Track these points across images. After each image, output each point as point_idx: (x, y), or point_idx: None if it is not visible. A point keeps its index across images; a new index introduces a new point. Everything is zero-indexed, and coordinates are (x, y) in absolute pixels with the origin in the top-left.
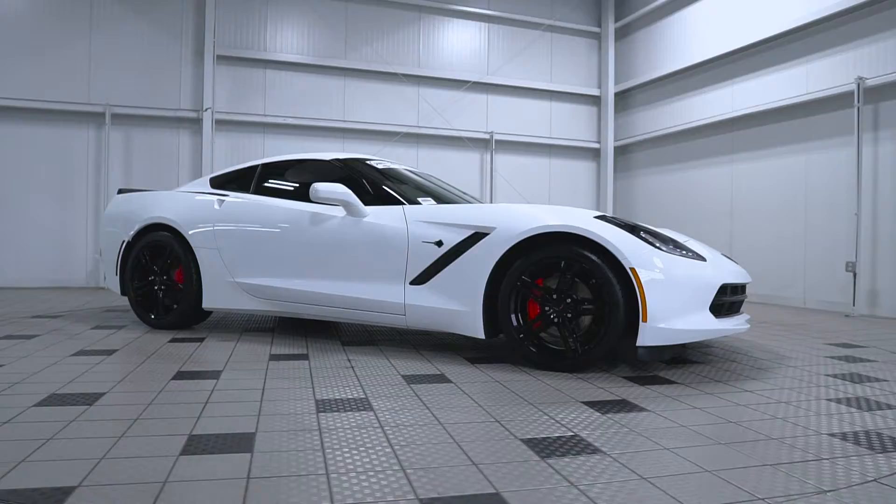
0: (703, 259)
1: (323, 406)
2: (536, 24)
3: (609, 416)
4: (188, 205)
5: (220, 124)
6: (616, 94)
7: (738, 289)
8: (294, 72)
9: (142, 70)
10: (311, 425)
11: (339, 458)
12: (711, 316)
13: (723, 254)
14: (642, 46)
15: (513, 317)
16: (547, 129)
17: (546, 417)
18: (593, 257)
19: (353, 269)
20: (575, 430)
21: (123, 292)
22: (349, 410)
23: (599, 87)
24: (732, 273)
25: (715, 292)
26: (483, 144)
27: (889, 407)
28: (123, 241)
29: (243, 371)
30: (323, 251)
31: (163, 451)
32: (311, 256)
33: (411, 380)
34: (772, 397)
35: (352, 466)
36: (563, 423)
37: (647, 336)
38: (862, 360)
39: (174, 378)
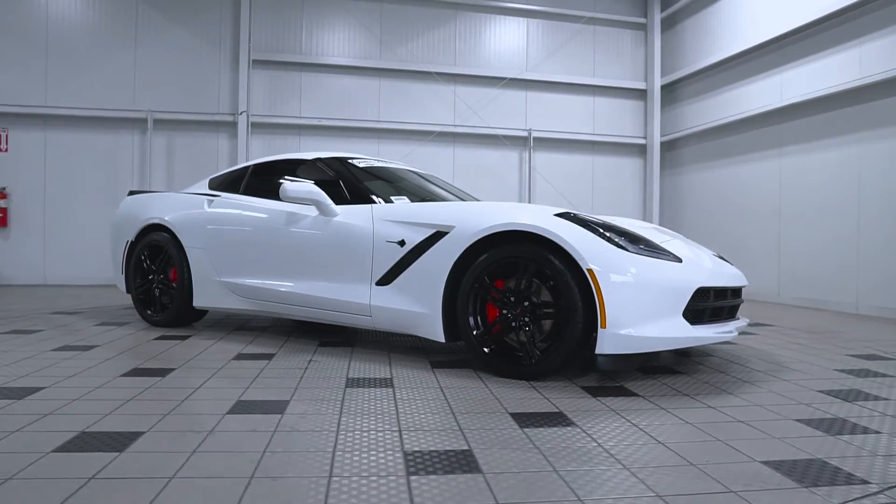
0: (679, 260)
1: (238, 408)
2: (578, 17)
3: (527, 430)
4: (182, 206)
5: (257, 127)
6: (662, 87)
7: (727, 293)
8: (329, 74)
9: (183, 76)
10: (215, 426)
11: (209, 459)
12: (685, 322)
13: (717, 255)
14: (690, 36)
15: (471, 320)
16: (590, 126)
17: (452, 430)
18: (551, 257)
19: (324, 268)
20: (471, 445)
21: (128, 290)
22: (259, 413)
23: (645, 80)
24: (715, 276)
25: (689, 296)
26: (521, 143)
27: (867, 431)
28: (127, 241)
29: (196, 370)
30: (297, 251)
31: (39, 448)
32: (286, 256)
33: (354, 383)
34: (734, 415)
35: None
36: (466, 435)
37: (607, 343)
38: (874, 375)
39: (124, 375)
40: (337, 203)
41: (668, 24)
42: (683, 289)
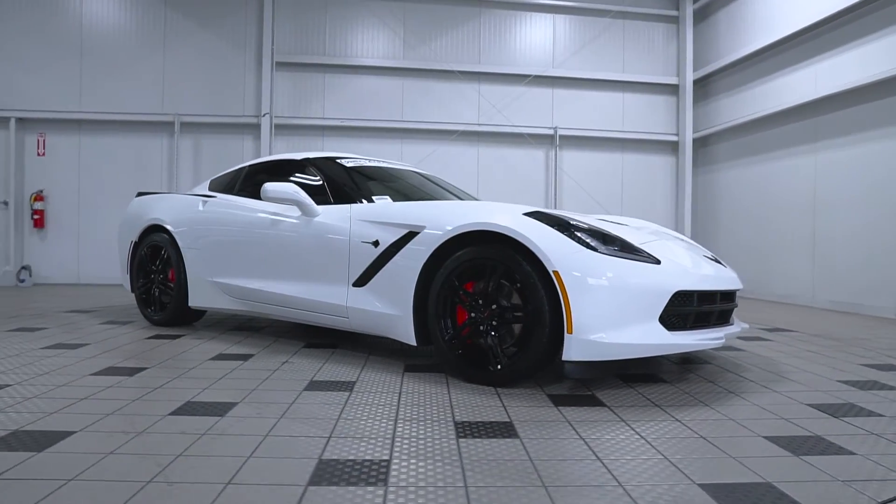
0: (657, 262)
1: (183, 409)
2: (607, 11)
3: (463, 440)
4: (179, 207)
5: (281, 128)
6: (695, 82)
7: (715, 297)
8: (352, 74)
9: (209, 80)
10: (147, 427)
11: (119, 462)
12: (662, 328)
13: (708, 256)
14: (723, 28)
15: (441, 323)
16: (619, 123)
17: (383, 438)
18: (519, 259)
19: (304, 269)
20: (393, 456)
21: (132, 290)
22: (200, 414)
23: (677, 74)
24: (699, 279)
25: (666, 300)
26: (548, 141)
27: (841, 452)
28: (132, 242)
29: (168, 369)
30: (280, 251)
31: None
32: (271, 257)
33: (315, 386)
34: (698, 430)
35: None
36: (395, 445)
37: (574, 350)
38: (879, 388)
39: (94, 374)
40: (325, 203)
41: (701, 16)
42: (660, 292)
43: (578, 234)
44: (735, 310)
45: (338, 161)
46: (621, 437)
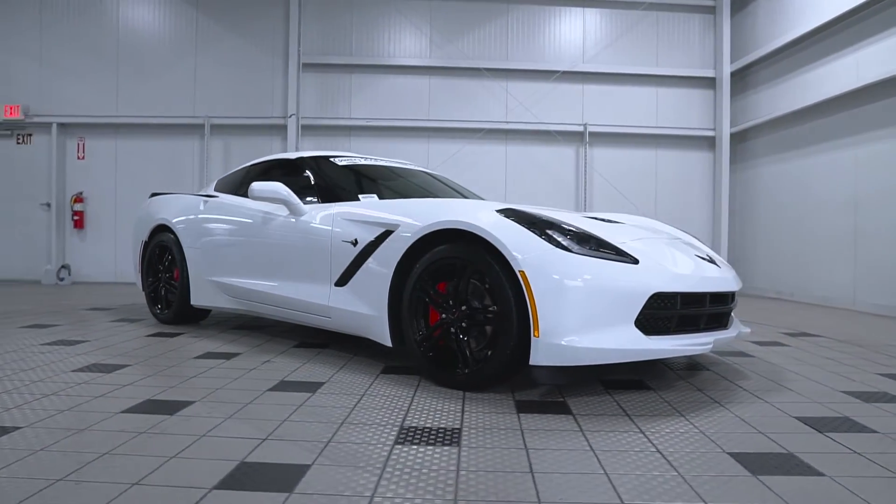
0: (635, 262)
1: (138, 407)
2: (639, 3)
3: (399, 446)
4: (183, 208)
5: (308, 129)
6: (732, 74)
7: (704, 299)
8: (379, 74)
9: (238, 82)
10: (91, 425)
11: (37, 459)
12: (638, 332)
13: (703, 255)
14: (762, 16)
15: (413, 323)
16: (653, 118)
17: (317, 443)
18: (488, 258)
19: (290, 268)
20: (317, 461)
21: (143, 289)
22: (151, 413)
23: (714, 67)
24: (683, 280)
25: (643, 303)
26: (578, 138)
27: (809, 472)
28: (142, 241)
29: (147, 367)
30: (269, 250)
31: None
32: (261, 255)
33: (281, 386)
34: (658, 444)
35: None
36: (326, 450)
37: (541, 354)
38: (887, 400)
39: (75, 370)
40: (315, 202)
41: (739, 4)
42: (635, 293)
43: (550, 233)
44: (733, 312)
45: (330, 160)
46: (570, 448)
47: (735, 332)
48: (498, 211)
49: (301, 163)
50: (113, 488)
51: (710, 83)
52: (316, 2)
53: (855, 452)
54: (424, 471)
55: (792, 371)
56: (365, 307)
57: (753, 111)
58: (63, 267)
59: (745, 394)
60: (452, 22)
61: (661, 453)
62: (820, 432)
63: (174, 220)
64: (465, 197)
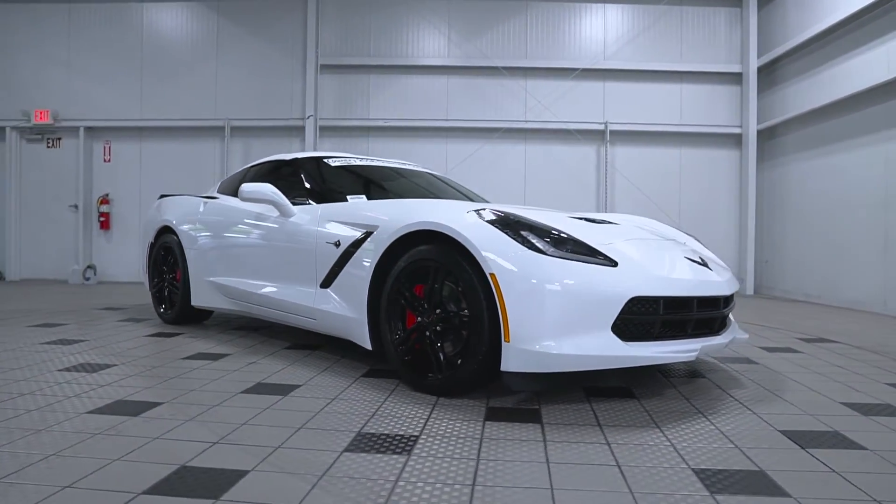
0: (613, 264)
1: (105, 409)
2: None
3: (348, 453)
4: (185, 209)
5: (326, 130)
6: (760, 69)
7: (691, 304)
8: (397, 74)
9: (258, 84)
10: (52, 426)
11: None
12: (615, 338)
13: (694, 257)
14: (791, 7)
15: (390, 327)
16: (676, 115)
17: (263, 448)
18: (461, 260)
19: (279, 269)
20: (256, 466)
21: (149, 289)
22: (117, 414)
23: (741, 62)
24: (666, 283)
25: (620, 308)
26: (599, 137)
27: (773, 493)
28: (149, 243)
29: (132, 367)
30: (260, 251)
31: None
32: (253, 256)
33: (257, 389)
34: (620, 457)
35: None
36: (272, 456)
37: (512, 360)
38: (887, 413)
39: (60, 370)
40: (306, 203)
41: None
42: (612, 298)
43: (525, 234)
44: (732, 317)
45: (324, 160)
46: (524, 459)
47: (727, 338)
48: (471, 211)
49: (295, 164)
50: (43, 490)
51: (736, 79)
52: (335, 3)
53: (833, 471)
54: (363, 480)
55: (794, 380)
56: (347, 309)
57: (781, 107)
58: (89, 267)
59: (734, 404)
60: (471, 21)
61: (619, 468)
62: (802, 448)
63: (176, 222)
64: (469, 198)
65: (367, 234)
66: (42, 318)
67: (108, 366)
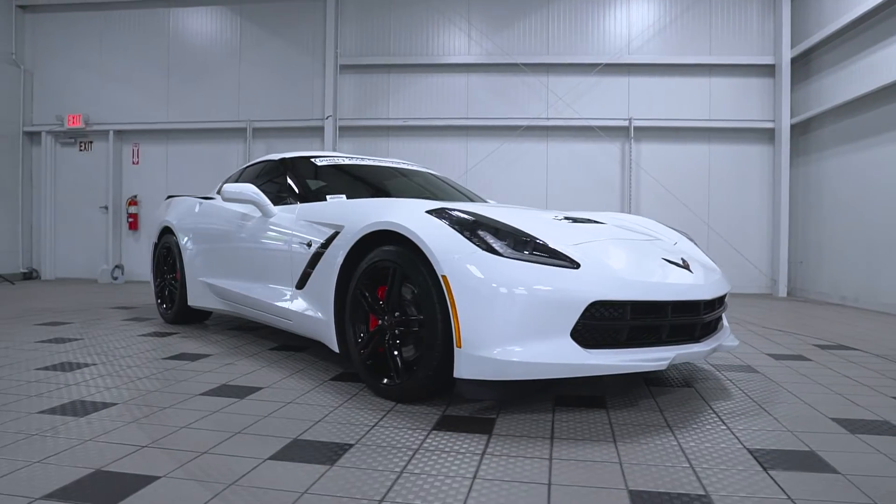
0: (575, 266)
1: (60, 409)
2: None
3: (272, 461)
4: (183, 210)
5: (346, 130)
6: (793, 60)
7: (665, 308)
8: (416, 73)
9: (279, 85)
10: (14, 424)
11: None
12: (574, 345)
13: (672, 259)
14: None
15: (354, 329)
16: (705, 110)
17: (194, 452)
18: (416, 261)
19: (259, 269)
20: (167, 474)
21: (153, 289)
22: (64, 414)
23: (773, 53)
24: (634, 287)
25: (580, 312)
26: (623, 133)
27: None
28: (153, 243)
29: (109, 366)
30: (243, 252)
31: None
32: (237, 257)
33: (219, 391)
34: (557, 474)
35: None
36: (195, 462)
37: (463, 367)
38: (882, 432)
39: (38, 368)
40: (291, 203)
41: None
42: (571, 302)
43: (482, 234)
44: (726, 322)
45: (311, 160)
46: (451, 474)
47: (710, 345)
48: (430, 211)
49: (283, 164)
50: None
51: (768, 71)
52: (355, 4)
53: (789, 498)
54: (270, 491)
55: (790, 391)
56: (317, 311)
57: (816, 100)
58: (117, 266)
59: (710, 418)
60: (491, 17)
61: (549, 486)
62: (764, 469)
63: (175, 222)
64: (468, 198)
65: (336, 235)
66: (52, 317)
67: (86, 365)
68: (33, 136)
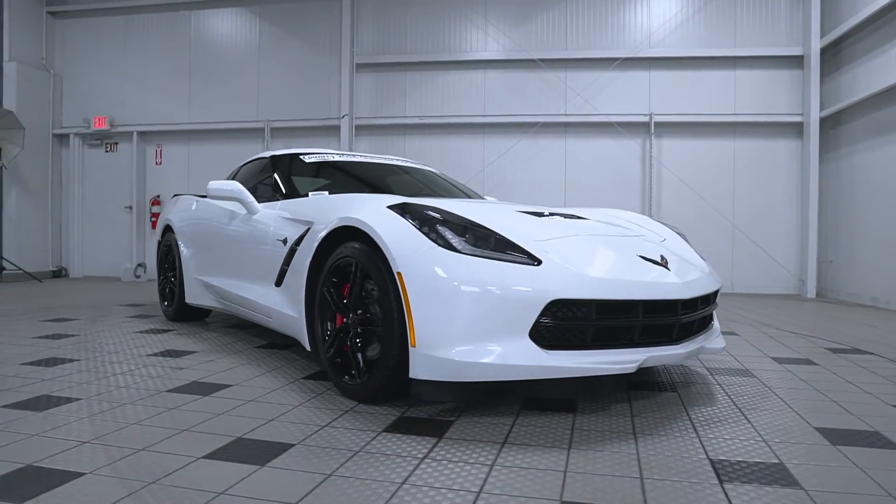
0: (536, 263)
1: (23, 404)
2: None
3: (203, 459)
4: (182, 208)
5: (363, 129)
6: (823, 50)
7: (635, 308)
8: (433, 71)
9: (297, 85)
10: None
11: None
12: (533, 346)
13: (648, 256)
14: None
15: (322, 327)
16: (729, 104)
17: (129, 449)
18: (374, 257)
19: (243, 267)
20: (97, 471)
21: (158, 286)
22: (32, 409)
23: (802, 43)
24: (599, 285)
25: (538, 311)
26: (644, 129)
27: None
28: (158, 241)
29: (93, 362)
30: (230, 250)
31: None
32: (224, 254)
33: (188, 388)
34: (472, 480)
35: None
36: (125, 462)
37: (418, 367)
38: (869, 444)
39: (24, 364)
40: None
41: None
42: (530, 300)
43: (441, 230)
44: (717, 322)
45: (298, 157)
46: (378, 478)
47: (688, 347)
48: (390, 206)
49: (272, 161)
50: None
51: (796, 62)
52: (371, 2)
53: None
54: (188, 490)
55: (781, 397)
56: (291, 308)
57: (847, 91)
58: (140, 265)
59: (682, 424)
60: (509, 13)
61: (479, 494)
62: (721, 483)
63: (174, 220)
64: (466, 194)
65: (308, 231)
66: (61, 313)
67: (69, 361)
68: (62, 139)
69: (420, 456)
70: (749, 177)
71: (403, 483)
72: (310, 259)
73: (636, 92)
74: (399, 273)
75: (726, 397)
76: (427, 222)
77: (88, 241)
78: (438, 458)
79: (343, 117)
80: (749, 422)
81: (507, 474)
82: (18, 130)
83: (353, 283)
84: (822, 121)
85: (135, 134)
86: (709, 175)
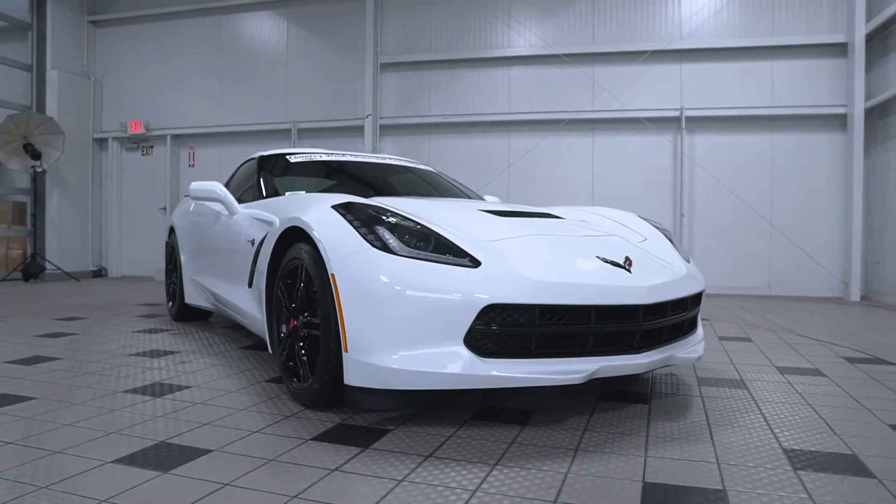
0: (474, 264)
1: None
2: None
3: (119, 465)
4: (182, 209)
5: (388, 129)
6: (868, 36)
7: (588, 313)
8: (457, 69)
9: (323, 85)
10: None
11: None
12: (468, 353)
13: (610, 258)
14: None
15: (276, 330)
16: (766, 97)
17: (42, 450)
18: (315, 258)
19: (223, 268)
20: (6, 475)
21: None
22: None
23: (846, 30)
24: (543, 288)
25: (473, 316)
26: (675, 125)
27: None
28: (166, 242)
29: (79, 362)
30: (213, 251)
31: None
32: (210, 255)
33: (143, 389)
34: (376, 494)
35: None
36: (47, 459)
37: (352, 373)
38: (825, 471)
39: (8, 362)
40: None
41: None
42: (463, 305)
43: (379, 230)
44: (700, 330)
45: (285, 156)
46: (278, 490)
47: (651, 357)
48: (334, 206)
49: (258, 161)
50: None
51: (839, 50)
52: (395, 2)
53: None
54: (75, 497)
55: (762, 412)
56: (257, 309)
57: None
58: None
59: (635, 441)
60: (534, 7)
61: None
62: None
63: (176, 221)
64: (466, 195)
65: (268, 232)
66: (75, 312)
67: (50, 359)
68: (102, 143)
69: (330, 468)
70: (788, 173)
71: (296, 496)
72: (268, 260)
73: (666, 86)
74: (333, 274)
75: (700, 412)
76: (368, 222)
77: (126, 241)
78: (349, 470)
79: (367, 117)
80: (711, 440)
81: (411, 492)
82: (59, 135)
83: (299, 284)
84: (868, 112)
85: (168, 137)
86: (744, 172)
